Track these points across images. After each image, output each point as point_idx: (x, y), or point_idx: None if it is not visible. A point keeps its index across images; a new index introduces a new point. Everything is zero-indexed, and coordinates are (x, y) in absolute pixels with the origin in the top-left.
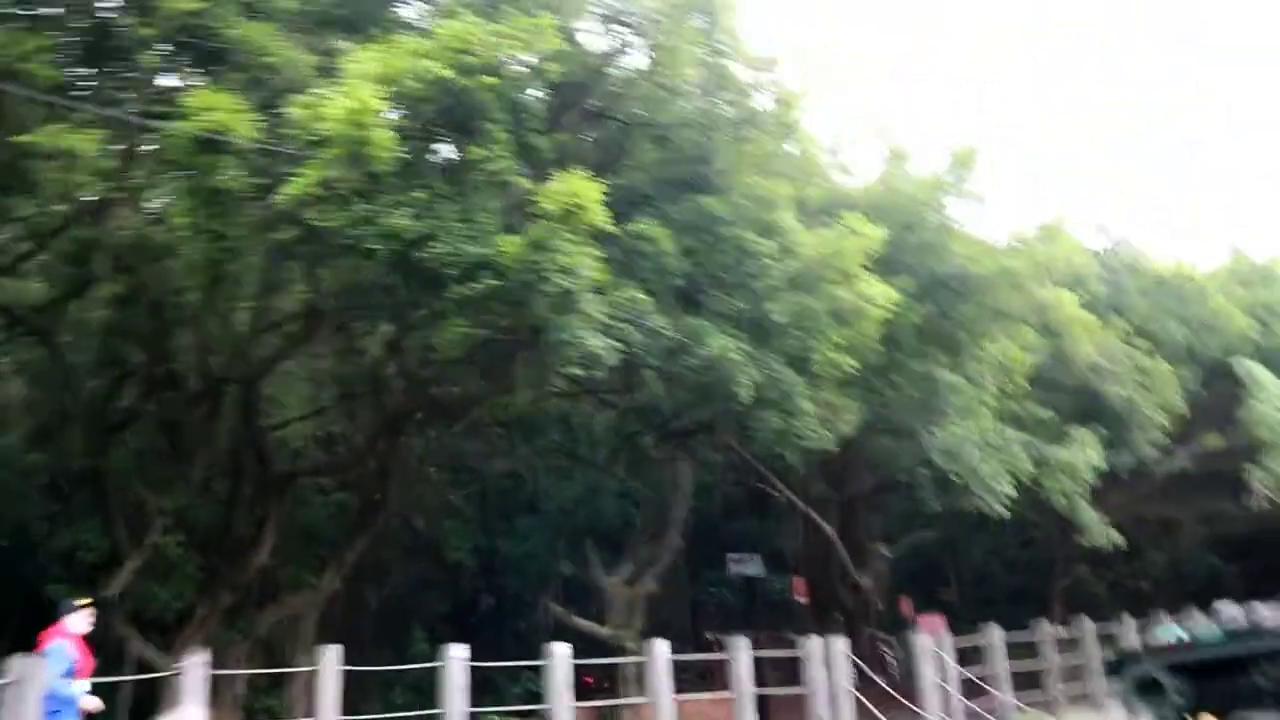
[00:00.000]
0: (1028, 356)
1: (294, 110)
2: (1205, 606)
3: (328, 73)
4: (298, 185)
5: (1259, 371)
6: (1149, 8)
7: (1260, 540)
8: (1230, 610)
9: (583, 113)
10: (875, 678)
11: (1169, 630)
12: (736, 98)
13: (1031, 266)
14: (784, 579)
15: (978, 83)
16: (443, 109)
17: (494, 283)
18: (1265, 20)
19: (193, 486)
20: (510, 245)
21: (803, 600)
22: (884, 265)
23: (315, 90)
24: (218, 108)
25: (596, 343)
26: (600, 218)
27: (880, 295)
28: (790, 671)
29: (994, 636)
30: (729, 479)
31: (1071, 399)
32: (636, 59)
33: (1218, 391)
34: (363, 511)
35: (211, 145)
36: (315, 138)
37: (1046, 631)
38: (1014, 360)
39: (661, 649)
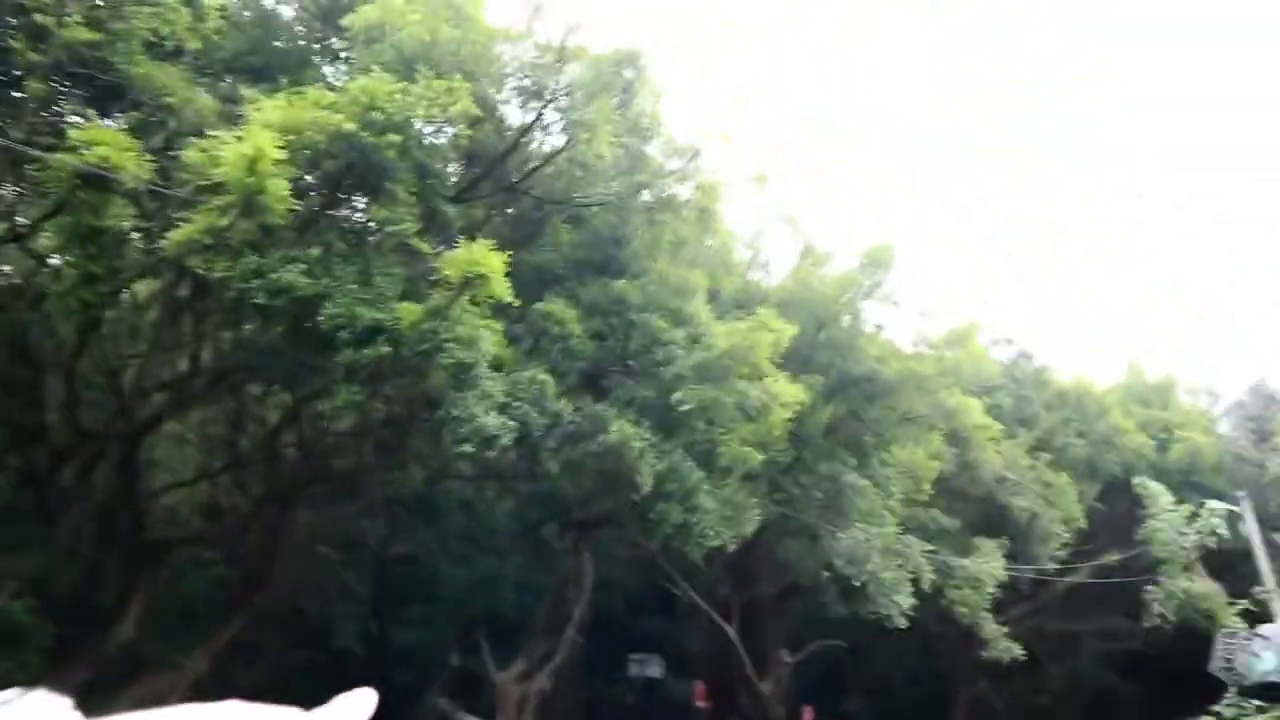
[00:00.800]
0: (934, 464)
1: (189, 153)
2: None
3: (230, 119)
4: (186, 231)
5: (1156, 489)
6: None
7: (1156, 659)
8: None
9: (497, 185)
10: None
11: None
12: (653, 180)
13: (940, 372)
14: (686, 682)
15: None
16: (346, 165)
17: (388, 350)
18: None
19: (55, 548)
20: (408, 312)
21: (703, 706)
22: (795, 362)
23: (213, 135)
24: (105, 143)
25: (492, 421)
26: (503, 290)
27: (789, 394)
28: None
29: None
30: (634, 575)
31: (976, 509)
32: (554, 136)
33: (1116, 507)
34: (244, 587)
35: (96, 181)
36: (208, 183)
37: None
38: (921, 466)
39: None
